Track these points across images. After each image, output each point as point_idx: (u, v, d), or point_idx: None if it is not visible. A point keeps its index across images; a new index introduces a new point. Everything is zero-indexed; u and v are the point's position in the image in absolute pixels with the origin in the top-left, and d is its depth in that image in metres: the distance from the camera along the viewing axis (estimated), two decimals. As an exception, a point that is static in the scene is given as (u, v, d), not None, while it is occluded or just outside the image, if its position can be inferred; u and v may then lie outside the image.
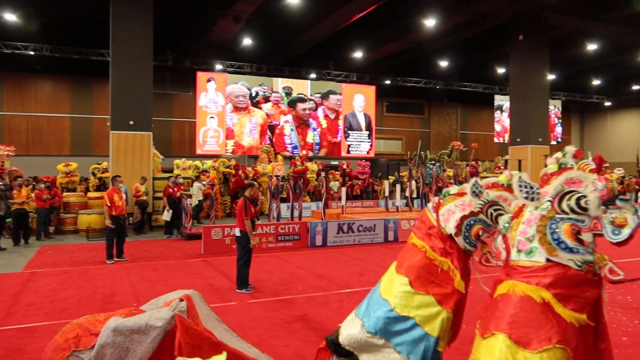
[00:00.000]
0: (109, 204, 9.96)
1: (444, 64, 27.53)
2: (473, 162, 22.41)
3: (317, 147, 25.76)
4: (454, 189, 3.75)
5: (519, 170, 18.19)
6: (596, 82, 33.47)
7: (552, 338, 2.61)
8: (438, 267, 3.46)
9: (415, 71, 29.24)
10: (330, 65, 27.01)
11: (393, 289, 3.56)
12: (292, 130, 25.21)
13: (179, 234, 14.03)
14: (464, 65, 28.93)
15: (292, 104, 25.26)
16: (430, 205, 3.79)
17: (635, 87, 34.35)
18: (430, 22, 20.21)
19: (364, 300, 3.76)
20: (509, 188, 3.49)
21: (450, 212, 3.58)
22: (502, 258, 3.04)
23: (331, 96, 25.89)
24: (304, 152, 25.00)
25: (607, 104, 38.05)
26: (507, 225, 3.12)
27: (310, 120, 25.74)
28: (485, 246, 3.55)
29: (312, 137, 25.74)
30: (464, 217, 3.48)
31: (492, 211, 3.43)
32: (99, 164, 18.45)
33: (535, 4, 19.52)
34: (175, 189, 14.18)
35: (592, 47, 23.89)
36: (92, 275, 8.76)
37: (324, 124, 25.97)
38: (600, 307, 2.79)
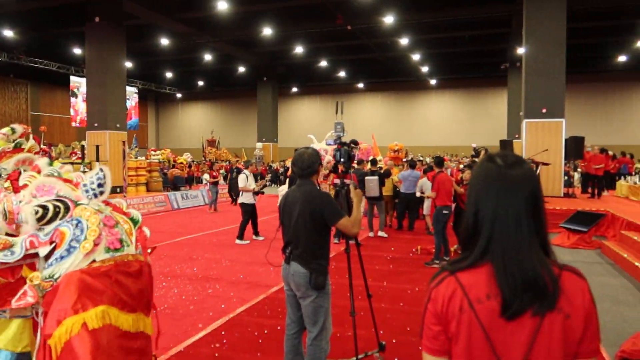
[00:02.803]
0: None
1: (8, 33, 23.99)
2: (45, 147, 20.55)
3: None
4: None
5: (97, 157, 17.89)
6: (169, 74, 36.47)
7: None
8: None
9: (-31, 36, 24.35)
10: None
11: None
12: None
13: None
14: (36, 39, 26.05)
15: None
16: None
17: (200, 83, 39.38)
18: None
19: None
20: (17, 149, 3.22)
21: None
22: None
23: None
24: None
25: (179, 95, 42.16)
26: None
27: None
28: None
29: None
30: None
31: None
32: None
33: (111, -11, 19.45)
34: None
35: (165, 41, 25.77)
36: None
37: None
38: None
